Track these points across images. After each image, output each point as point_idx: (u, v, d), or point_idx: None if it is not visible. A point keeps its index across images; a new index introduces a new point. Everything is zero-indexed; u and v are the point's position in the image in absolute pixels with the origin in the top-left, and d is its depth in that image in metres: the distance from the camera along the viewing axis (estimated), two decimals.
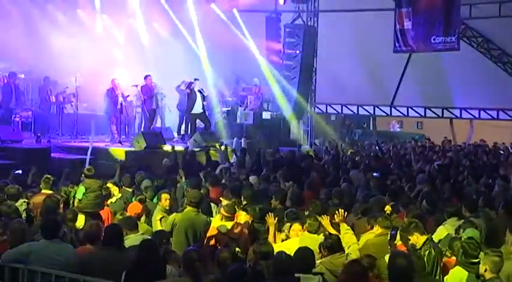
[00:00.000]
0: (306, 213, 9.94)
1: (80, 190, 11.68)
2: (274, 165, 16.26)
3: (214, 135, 22.16)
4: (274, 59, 27.79)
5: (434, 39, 26.50)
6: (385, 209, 9.85)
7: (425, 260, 7.59)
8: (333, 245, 7.98)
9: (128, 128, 22.37)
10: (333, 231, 8.89)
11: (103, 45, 24.08)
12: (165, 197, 10.57)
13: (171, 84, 23.66)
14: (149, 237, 8.42)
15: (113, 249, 7.54)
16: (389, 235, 8.81)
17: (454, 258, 7.98)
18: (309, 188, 13.42)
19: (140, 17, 25.65)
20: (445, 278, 7.62)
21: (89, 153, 17.33)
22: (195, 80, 22.36)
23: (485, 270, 7.06)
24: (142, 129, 21.91)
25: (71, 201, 11.67)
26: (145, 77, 21.29)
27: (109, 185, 12.57)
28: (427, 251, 7.87)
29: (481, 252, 7.45)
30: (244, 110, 26.76)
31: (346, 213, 9.92)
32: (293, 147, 24.57)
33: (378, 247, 8.56)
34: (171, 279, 6.82)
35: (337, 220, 8.95)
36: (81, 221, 9.86)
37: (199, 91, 21.83)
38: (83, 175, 12.44)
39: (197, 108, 21.88)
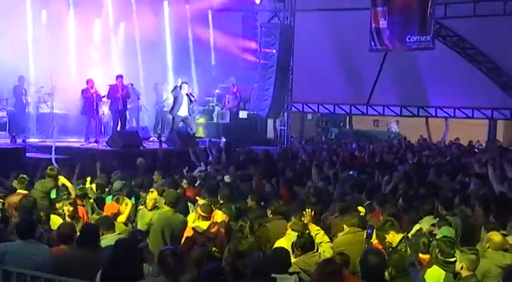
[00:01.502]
0: (269, 212, 9.92)
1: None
2: (251, 165, 16.24)
3: (190, 135, 22.10)
4: (251, 58, 27.82)
5: (409, 39, 26.69)
6: (359, 209, 9.84)
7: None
8: (305, 244, 7.96)
9: (104, 127, 22.26)
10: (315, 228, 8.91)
11: (78, 44, 23.94)
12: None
13: (148, 83, 23.62)
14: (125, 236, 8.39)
15: (89, 249, 7.49)
16: (365, 233, 8.83)
17: (428, 255, 8.03)
18: (284, 186, 13.45)
19: (111, 16, 25.46)
20: (420, 275, 7.66)
21: (53, 152, 17.17)
22: (183, 83, 22.29)
23: (462, 268, 7.09)
24: (118, 129, 21.80)
25: None
26: (117, 77, 21.10)
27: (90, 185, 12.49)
28: (403, 249, 7.91)
29: (457, 251, 7.49)
30: (222, 109, 26.77)
31: (323, 212, 9.99)
32: (270, 146, 24.59)
33: (346, 245, 8.58)
34: (148, 279, 6.79)
35: (305, 221, 8.93)
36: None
37: (187, 95, 21.77)
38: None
39: (183, 111, 21.83)
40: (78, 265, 7.24)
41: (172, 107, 21.99)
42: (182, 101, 21.62)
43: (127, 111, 21.90)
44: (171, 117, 22.45)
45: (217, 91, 27.62)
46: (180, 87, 21.93)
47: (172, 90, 22.27)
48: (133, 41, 25.83)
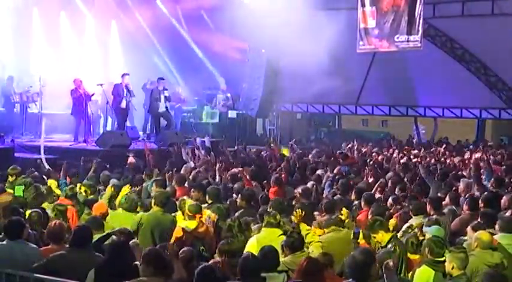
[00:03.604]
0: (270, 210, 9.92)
1: (18, 189, 11.50)
2: (242, 164, 16.22)
3: (179, 134, 22.07)
4: (240, 57, 27.81)
5: (398, 38, 26.74)
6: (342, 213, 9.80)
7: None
8: (293, 244, 7.95)
9: (93, 127, 22.21)
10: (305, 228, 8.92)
11: (67, 43, 23.87)
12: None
13: (136, 83, 23.57)
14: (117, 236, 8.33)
15: (81, 250, 7.47)
16: (352, 234, 8.84)
17: (418, 255, 8.06)
18: (276, 184, 13.48)
19: (100, 15, 25.37)
20: (410, 275, 7.69)
21: (42, 152, 17.06)
22: (160, 79, 22.22)
23: (453, 268, 7.13)
24: (107, 129, 21.78)
25: None
26: (122, 76, 21.21)
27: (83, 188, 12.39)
28: (393, 248, 7.93)
29: (446, 250, 7.53)
30: (212, 109, 26.75)
31: (312, 211, 10.00)
32: (260, 146, 24.57)
33: (334, 242, 8.59)
34: (140, 279, 6.77)
35: (295, 220, 8.94)
36: None
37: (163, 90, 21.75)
38: (9, 176, 12.35)
39: (161, 107, 21.80)
40: (70, 266, 7.21)
41: (152, 106, 21.90)
42: (160, 98, 21.61)
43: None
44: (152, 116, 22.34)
45: (208, 91, 27.63)
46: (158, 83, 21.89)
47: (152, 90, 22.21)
48: (122, 41, 25.79)
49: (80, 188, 12.17)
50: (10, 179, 12.44)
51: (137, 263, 7.23)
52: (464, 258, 7.20)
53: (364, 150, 23.05)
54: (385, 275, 6.50)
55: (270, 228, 8.72)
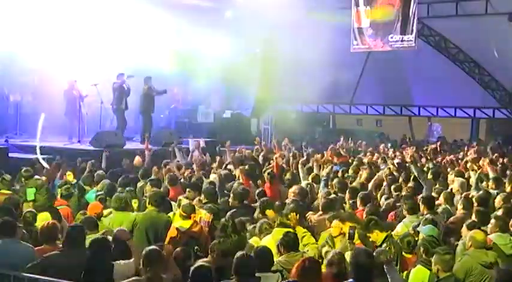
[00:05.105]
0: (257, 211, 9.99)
1: (30, 192, 11.42)
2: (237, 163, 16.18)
3: (174, 134, 22.03)
4: (235, 57, 27.76)
5: (392, 38, 26.75)
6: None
7: None
8: (289, 243, 7.95)
9: (87, 127, 22.17)
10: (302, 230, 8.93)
11: (62, 42, 23.76)
12: None
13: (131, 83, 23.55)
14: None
15: (75, 250, 7.47)
16: (347, 234, 8.83)
17: (412, 255, 8.07)
18: (268, 180, 13.52)
19: (95, 11, 25.21)
20: (404, 275, 7.69)
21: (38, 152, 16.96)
22: (148, 78, 21.95)
23: (438, 270, 7.14)
24: (100, 129, 21.71)
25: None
26: (120, 75, 21.14)
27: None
28: (387, 248, 7.93)
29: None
30: (207, 109, 26.72)
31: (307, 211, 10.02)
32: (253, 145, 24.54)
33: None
34: (138, 279, 6.77)
35: (291, 224, 8.94)
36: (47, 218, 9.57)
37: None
38: (22, 178, 12.27)
39: (152, 108, 21.72)
40: (63, 265, 7.20)
41: (148, 107, 21.80)
42: (150, 97, 21.52)
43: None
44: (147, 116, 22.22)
45: (202, 92, 27.61)
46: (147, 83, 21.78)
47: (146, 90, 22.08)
48: (117, 38, 25.68)
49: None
50: (22, 180, 12.34)
51: (114, 263, 7.24)
52: (448, 260, 7.20)
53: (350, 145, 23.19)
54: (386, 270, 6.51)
55: (282, 228, 8.72)
